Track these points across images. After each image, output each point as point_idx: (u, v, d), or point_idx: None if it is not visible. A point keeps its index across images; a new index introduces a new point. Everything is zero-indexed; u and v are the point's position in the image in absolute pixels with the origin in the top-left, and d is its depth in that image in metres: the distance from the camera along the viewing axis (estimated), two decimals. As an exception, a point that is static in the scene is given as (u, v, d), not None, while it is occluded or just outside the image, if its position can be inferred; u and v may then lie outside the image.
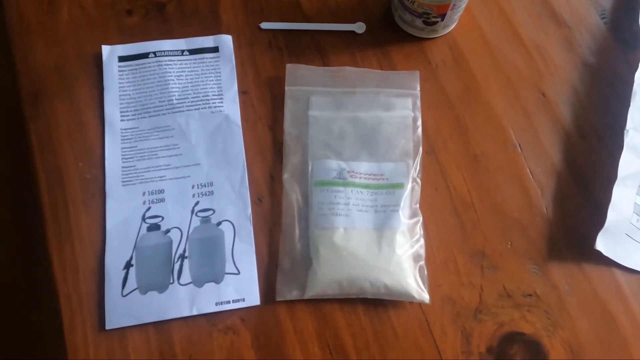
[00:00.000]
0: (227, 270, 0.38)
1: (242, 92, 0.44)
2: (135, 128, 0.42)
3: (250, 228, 0.39)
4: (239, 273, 0.38)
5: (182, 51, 0.45)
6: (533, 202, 0.42)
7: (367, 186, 0.40)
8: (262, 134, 0.43)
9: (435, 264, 0.39)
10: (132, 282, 0.37)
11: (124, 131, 0.42)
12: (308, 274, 0.37)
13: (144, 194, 0.40)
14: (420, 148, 0.42)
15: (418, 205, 0.40)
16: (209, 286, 0.37)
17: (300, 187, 0.40)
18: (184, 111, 0.43)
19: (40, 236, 0.39)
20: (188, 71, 0.44)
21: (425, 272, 0.38)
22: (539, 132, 0.44)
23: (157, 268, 0.38)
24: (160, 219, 0.39)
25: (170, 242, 0.39)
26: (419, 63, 0.46)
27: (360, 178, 0.40)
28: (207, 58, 0.45)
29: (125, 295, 0.37)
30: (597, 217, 0.41)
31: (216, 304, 0.37)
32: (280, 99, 0.44)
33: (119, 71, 0.44)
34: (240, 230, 0.39)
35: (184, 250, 0.38)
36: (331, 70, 0.44)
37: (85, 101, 0.43)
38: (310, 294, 0.37)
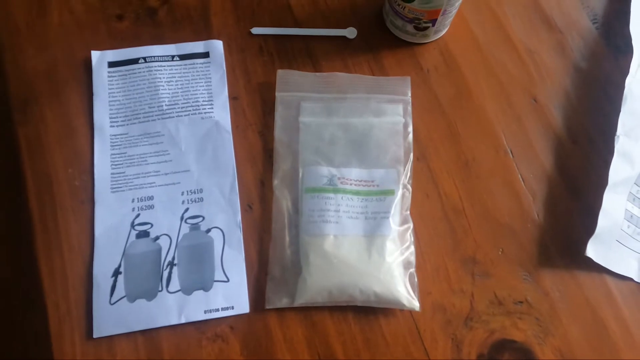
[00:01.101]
0: (216, 278, 0.38)
1: (233, 98, 0.44)
2: (124, 134, 0.42)
3: (240, 235, 0.39)
4: (228, 281, 0.38)
5: (173, 57, 0.45)
6: (524, 208, 0.42)
7: (357, 193, 0.40)
8: (253, 140, 0.43)
9: (425, 271, 0.39)
10: (120, 289, 0.37)
11: (113, 137, 0.42)
12: (298, 282, 0.37)
13: (133, 200, 0.40)
14: (411, 154, 0.42)
15: (409, 212, 0.40)
16: (198, 294, 0.37)
17: (291, 193, 0.40)
18: (174, 117, 0.42)
19: (28, 244, 0.39)
20: (178, 77, 0.44)
21: (416, 279, 0.38)
22: (531, 137, 0.44)
23: (145, 276, 0.37)
24: (149, 225, 0.39)
25: (159, 250, 0.38)
26: (410, 68, 0.46)
27: (351, 184, 0.40)
28: (197, 63, 0.44)
29: (113, 303, 0.37)
30: (588, 223, 0.41)
31: (205, 312, 0.37)
32: (271, 105, 0.44)
33: (109, 77, 0.44)
34: (229, 237, 0.39)
35: (173, 258, 0.38)
36: (322, 76, 0.44)
37: (75, 107, 0.43)
38: (300, 301, 0.37)
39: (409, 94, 0.44)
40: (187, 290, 0.37)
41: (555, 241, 0.41)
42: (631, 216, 0.41)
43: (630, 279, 0.40)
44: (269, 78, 0.45)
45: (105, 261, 0.38)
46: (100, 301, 0.37)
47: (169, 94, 0.43)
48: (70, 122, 0.42)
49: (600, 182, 0.42)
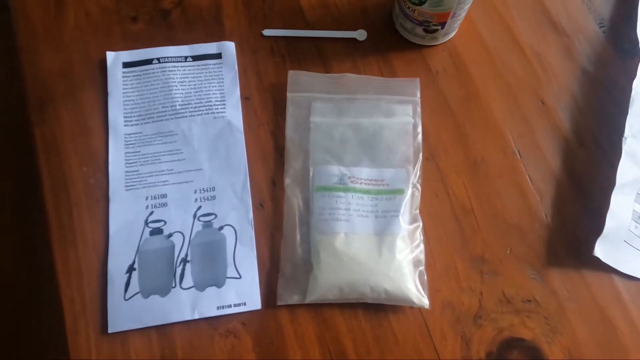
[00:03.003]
0: (228, 275, 0.38)
1: (245, 98, 0.45)
2: (138, 133, 0.43)
3: (251, 233, 0.40)
4: (240, 277, 0.38)
5: (186, 57, 0.45)
6: (532, 208, 0.42)
7: (367, 192, 0.40)
8: (264, 139, 0.43)
9: (435, 269, 0.40)
10: (134, 285, 0.38)
11: (127, 136, 0.43)
12: (309, 279, 0.38)
13: (146, 198, 0.40)
14: (421, 154, 0.42)
15: (418, 211, 0.41)
16: (211, 290, 0.38)
17: (302, 192, 0.41)
18: (187, 117, 0.43)
19: (43, 240, 0.39)
20: (191, 77, 0.45)
21: (425, 277, 0.39)
22: (538, 138, 0.45)
23: (159, 272, 0.38)
24: (162, 223, 0.40)
25: (173, 246, 0.39)
26: (419, 70, 0.47)
27: (361, 184, 0.40)
28: (210, 64, 0.45)
29: (127, 299, 0.37)
30: (595, 224, 0.41)
31: (217, 308, 0.37)
32: (282, 105, 0.44)
33: (123, 77, 0.44)
34: (241, 234, 0.40)
35: (186, 255, 0.39)
36: (333, 77, 0.45)
37: (90, 106, 0.44)
38: (311, 298, 0.37)
39: (418, 95, 0.44)
40: (200, 286, 0.38)
41: (563, 241, 0.41)
42: (639, 217, 0.41)
43: (638, 280, 0.40)
44: (281, 79, 0.45)
45: (119, 258, 0.38)
46: (114, 297, 0.37)
47: (182, 94, 0.44)
48: (85, 122, 0.43)
49: (606, 183, 0.42)
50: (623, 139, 0.43)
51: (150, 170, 0.41)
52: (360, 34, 0.47)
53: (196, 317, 0.37)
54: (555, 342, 0.38)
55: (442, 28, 0.45)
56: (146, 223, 0.40)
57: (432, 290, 0.39)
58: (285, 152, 0.42)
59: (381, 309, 0.38)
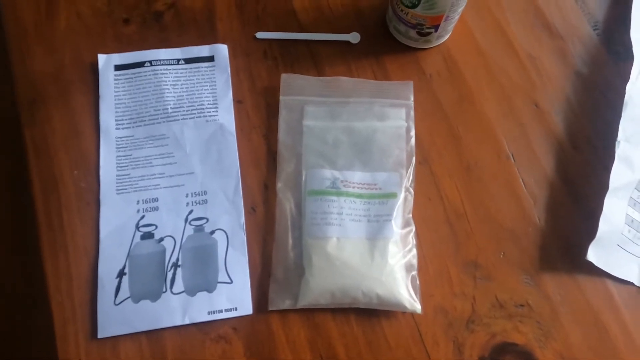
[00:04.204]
0: (220, 279, 0.38)
1: (237, 102, 0.44)
2: (130, 136, 0.42)
3: (243, 237, 0.39)
4: (231, 282, 0.38)
5: (178, 60, 0.45)
6: (526, 212, 0.42)
7: (360, 196, 0.40)
8: (257, 143, 0.43)
9: (427, 274, 0.40)
10: (125, 290, 0.37)
11: (119, 139, 0.42)
12: (301, 284, 0.38)
13: (138, 202, 0.40)
14: (414, 158, 0.42)
15: (411, 215, 0.40)
16: (202, 295, 0.38)
17: (294, 196, 0.41)
18: (179, 120, 0.43)
19: (34, 244, 0.39)
20: (183, 80, 0.44)
21: (418, 282, 0.38)
22: (532, 142, 0.45)
23: (150, 276, 0.38)
24: (154, 227, 0.39)
25: (164, 251, 0.39)
26: (413, 73, 0.46)
27: (354, 187, 0.40)
28: (202, 67, 0.45)
29: (118, 304, 0.37)
30: (589, 228, 0.41)
31: (208, 313, 0.37)
32: (275, 109, 0.44)
33: (115, 80, 0.44)
34: (233, 239, 0.39)
35: (177, 259, 0.38)
36: (326, 80, 0.44)
37: (81, 109, 0.43)
38: (302, 303, 0.37)
39: (412, 99, 0.44)
40: (191, 291, 0.38)
41: (556, 245, 0.41)
42: (632, 221, 0.41)
43: (631, 284, 0.40)
44: (273, 82, 0.45)
45: (110, 262, 0.38)
46: (105, 302, 0.37)
47: (174, 97, 0.44)
48: (77, 124, 0.43)
49: (600, 187, 0.42)
50: (616, 142, 0.43)
51: (142, 174, 0.41)
52: (354, 37, 0.47)
53: (187, 322, 0.37)
54: (548, 347, 0.38)
55: (436, 31, 0.45)
56: (137, 227, 0.39)
57: (425, 295, 0.39)
58: (277, 155, 0.42)
59: (373, 314, 0.38)
